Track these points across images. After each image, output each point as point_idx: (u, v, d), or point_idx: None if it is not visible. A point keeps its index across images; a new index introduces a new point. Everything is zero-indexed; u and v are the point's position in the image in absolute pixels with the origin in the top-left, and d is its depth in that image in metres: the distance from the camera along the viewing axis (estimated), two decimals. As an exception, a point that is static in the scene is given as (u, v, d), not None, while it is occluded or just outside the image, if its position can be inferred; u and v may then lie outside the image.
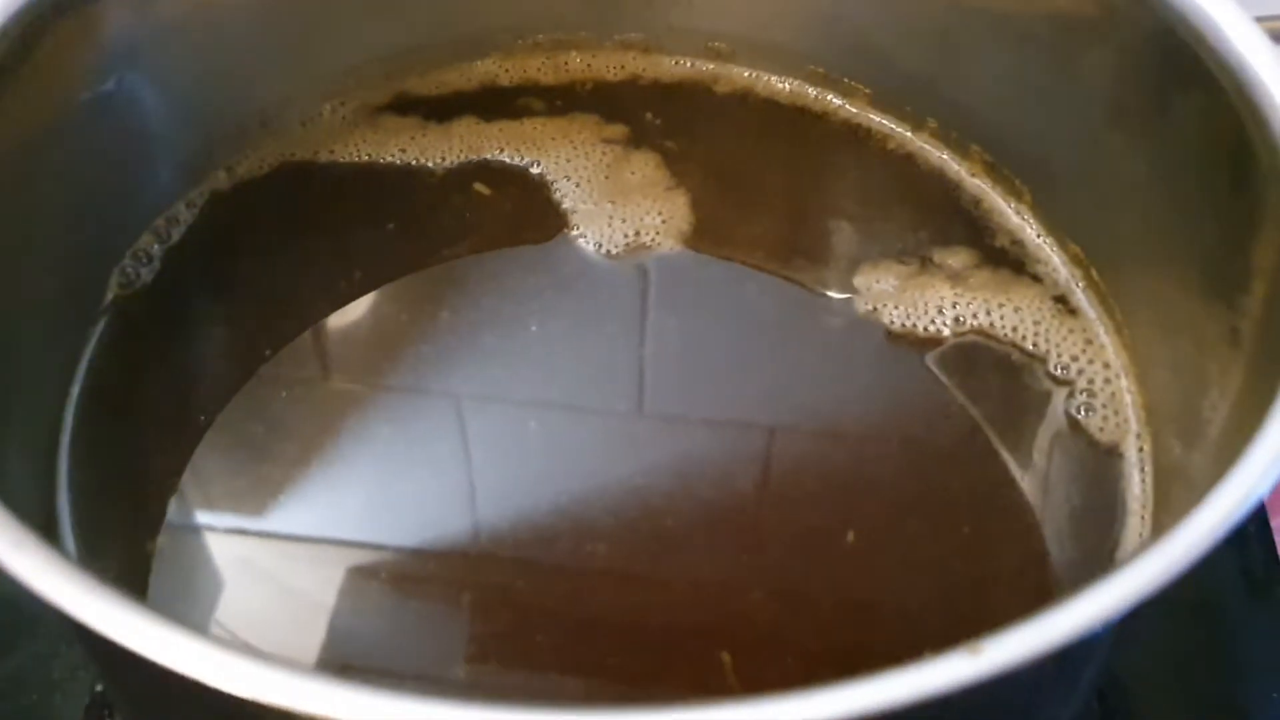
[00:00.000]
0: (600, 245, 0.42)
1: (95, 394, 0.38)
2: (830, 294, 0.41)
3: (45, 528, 0.35)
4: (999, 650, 0.21)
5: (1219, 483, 0.23)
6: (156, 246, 0.42)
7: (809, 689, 0.20)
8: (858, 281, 0.41)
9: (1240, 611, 0.41)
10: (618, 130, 0.45)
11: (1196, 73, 0.33)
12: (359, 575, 0.36)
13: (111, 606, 0.23)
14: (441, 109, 0.46)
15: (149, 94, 0.40)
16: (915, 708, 0.21)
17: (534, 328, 0.41)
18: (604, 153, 0.45)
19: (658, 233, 0.43)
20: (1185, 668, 0.40)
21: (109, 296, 0.40)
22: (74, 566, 0.23)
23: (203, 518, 0.37)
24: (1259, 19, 0.33)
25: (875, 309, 0.40)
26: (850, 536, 0.36)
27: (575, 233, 0.43)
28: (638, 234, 0.43)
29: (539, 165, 0.44)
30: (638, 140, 0.45)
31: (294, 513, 0.37)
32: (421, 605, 0.36)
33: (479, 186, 0.44)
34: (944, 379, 0.39)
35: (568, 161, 0.44)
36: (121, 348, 0.40)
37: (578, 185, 0.44)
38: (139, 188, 0.41)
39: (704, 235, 0.43)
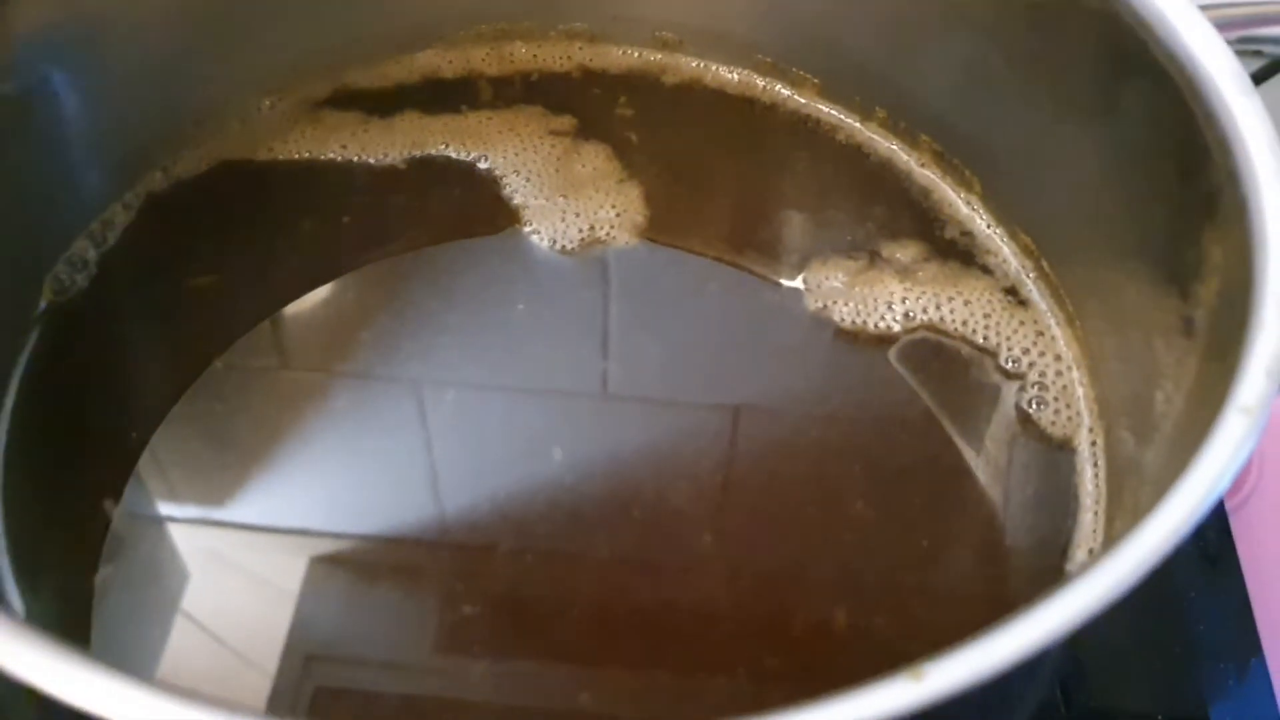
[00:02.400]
0: (555, 241, 0.42)
1: (30, 405, 0.37)
2: (781, 291, 0.41)
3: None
4: (941, 676, 0.20)
5: (1173, 485, 0.23)
6: (92, 251, 0.40)
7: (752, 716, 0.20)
8: (807, 278, 0.41)
9: (1196, 588, 0.41)
10: (565, 122, 0.45)
11: (1145, 65, 0.33)
12: (323, 564, 0.35)
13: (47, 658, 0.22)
14: (383, 103, 0.45)
15: (74, 93, 0.39)
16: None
17: (493, 318, 0.40)
18: (553, 145, 0.44)
19: (613, 227, 0.42)
20: (1144, 648, 0.40)
21: (42, 304, 0.39)
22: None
23: (162, 510, 0.36)
24: (1203, 6, 0.33)
25: (825, 306, 0.40)
26: (803, 533, 0.36)
27: (529, 229, 0.42)
28: (592, 229, 0.42)
29: (486, 160, 0.44)
30: (586, 132, 0.44)
31: (256, 503, 0.36)
32: (386, 593, 0.35)
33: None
34: (896, 375, 0.39)
35: (516, 155, 0.44)
36: (57, 356, 0.39)
37: (528, 180, 0.43)
38: (70, 191, 0.40)
39: (659, 229, 0.42)
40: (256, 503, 0.36)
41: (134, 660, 0.34)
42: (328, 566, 0.35)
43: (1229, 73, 0.31)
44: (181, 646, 0.34)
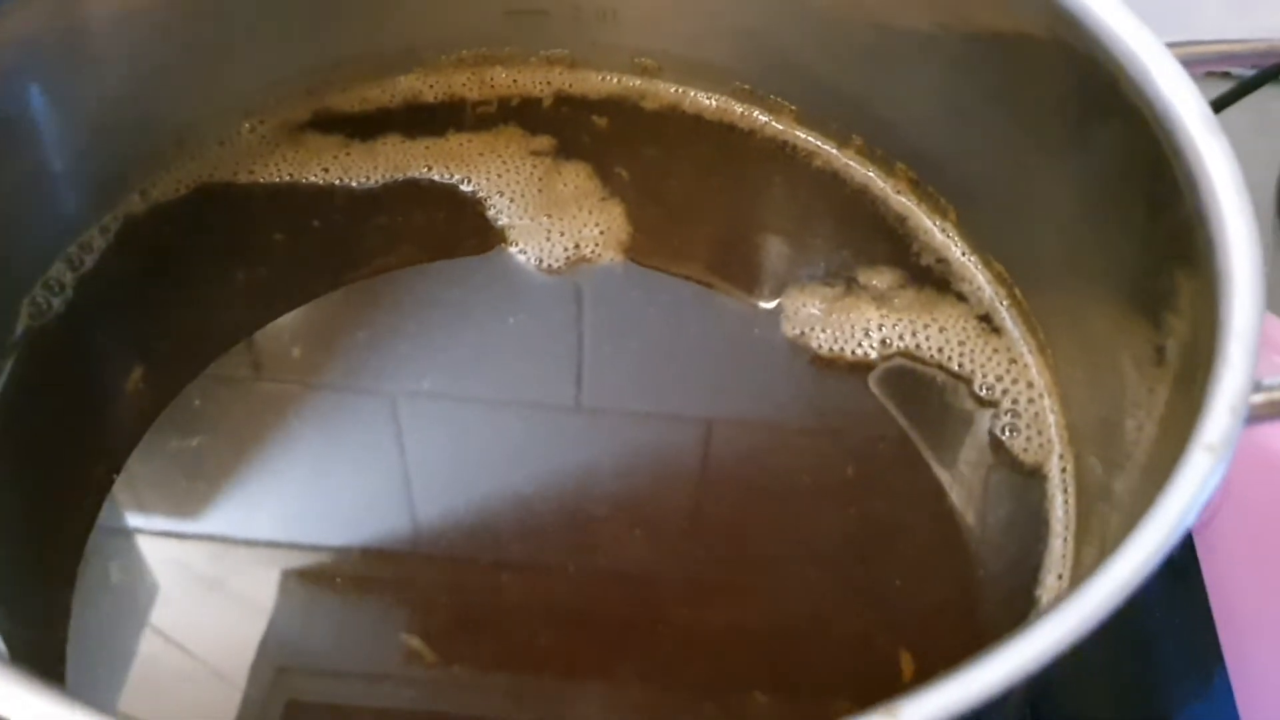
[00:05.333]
0: (541, 260, 0.42)
1: (9, 427, 0.37)
2: (760, 316, 0.41)
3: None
4: (917, 711, 0.21)
5: (1141, 519, 0.24)
6: (69, 274, 0.40)
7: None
8: (785, 304, 0.41)
9: (1160, 602, 0.41)
10: (544, 142, 0.45)
11: (1114, 102, 0.33)
12: (296, 577, 0.35)
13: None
14: (364, 126, 0.45)
15: (53, 115, 0.39)
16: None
17: (481, 335, 0.40)
18: (534, 165, 0.44)
19: (597, 244, 0.42)
20: (1109, 660, 0.40)
21: (19, 329, 0.39)
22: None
23: (131, 523, 0.37)
24: (1171, 44, 0.34)
25: (803, 333, 0.41)
26: (776, 552, 0.36)
27: (515, 249, 0.42)
28: (578, 246, 0.42)
29: (469, 182, 0.44)
30: (566, 151, 0.45)
31: (228, 516, 0.37)
32: (359, 605, 0.35)
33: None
34: (873, 401, 0.39)
35: (498, 176, 0.44)
36: (34, 382, 0.38)
37: (511, 200, 0.43)
38: (48, 213, 0.40)
39: (641, 248, 0.43)
40: (227, 516, 0.37)
41: (104, 675, 0.34)
42: (300, 579, 0.35)
43: (1197, 113, 0.31)
44: (151, 659, 0.34)
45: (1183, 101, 0.32)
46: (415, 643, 0.34)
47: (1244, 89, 0.48)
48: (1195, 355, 0.29)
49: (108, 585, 0.35)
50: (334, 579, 0.36)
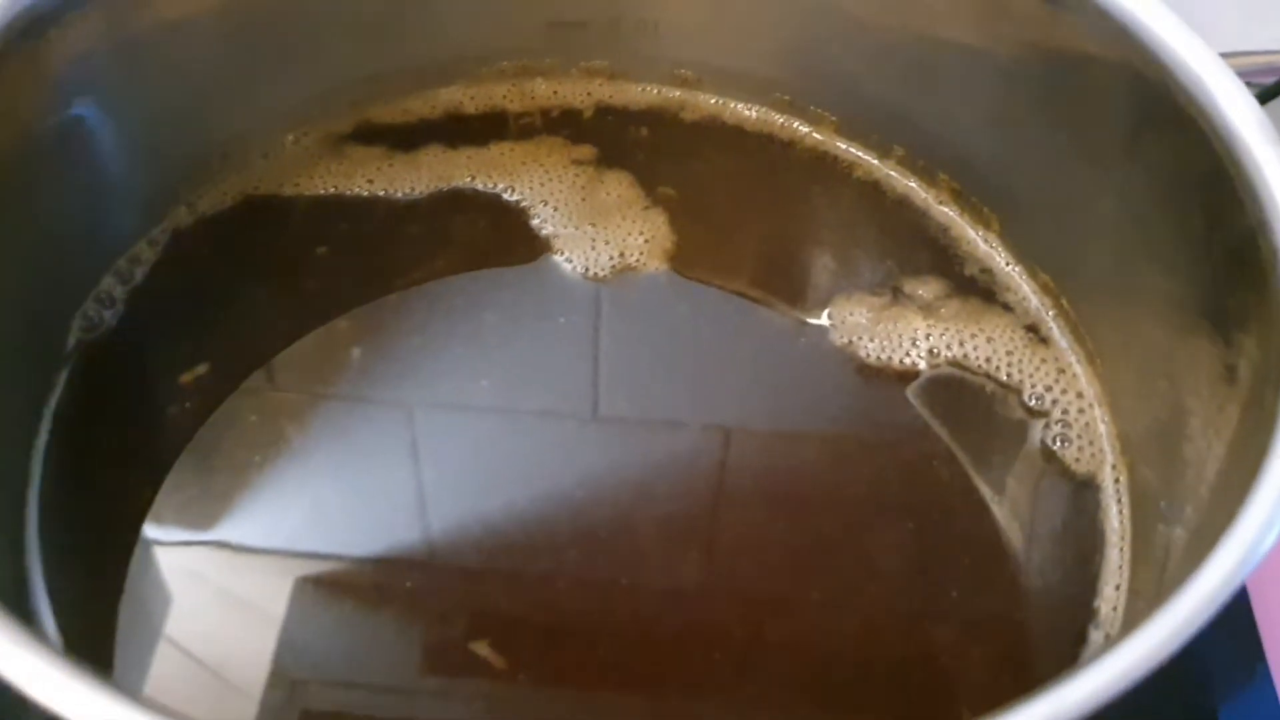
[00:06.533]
0: (587, 269, 0.42)
1: (62, 443, 0.37)
2: (808, 325, 0.41)
3: (15, 585, 0.34)
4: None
5: (1219, 541, 0.24)
6: (119, 288, 0.41)
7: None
8: (832, 313, 0.41)
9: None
10: (586, 151, 0.45)
11: (1168, 113, 0.33)
12: (310, 587, 0.35)
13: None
14: (407, 138, 0.45)
15: (107, 129, 0.39)
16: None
17: (528, 344, 0.41)
18: (576, 174, 0.45)
19: (642, 253, 0.43)
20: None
21: (71, 342, 0.39)
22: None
23: (173, 535, 0.37)
24: (1226, 55, 0.34)
25: (851, 342, 0.41)
26: (833, 569, 0.36)
27: (560, 257, 0.42)
28: (622, 255, 0.42)
29: (512, 191, 0.44)
30: (608, 160, 0.45)
31: (249, 525, 0.37)
32: (374, 616, 0.35)
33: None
34: (922, 411, 0.39)
35: (541, 185, 0.44)
36: (87, 394, 0.39)
37: (555, 209, 0.44)
38: (99, 228, 0.40)
39: (685, 257, 0.43)
40: (247, 525, 0.37)
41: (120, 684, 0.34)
42: (315, 589, 0.35)
43: (1254, 122, 0.31)
44: (164, 669, 0.34)
45: (1238, 110, 0.32)
46: (430, 653, 0.34)
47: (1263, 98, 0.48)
48: (1266, 374, 0.29)
49: (129, 593, 0.35)
50: (350, 590, 0.36)
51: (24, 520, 0.36)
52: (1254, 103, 0.32)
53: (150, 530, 0.37)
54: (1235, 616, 0.40)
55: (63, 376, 0.39)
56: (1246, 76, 0.33)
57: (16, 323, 0.37)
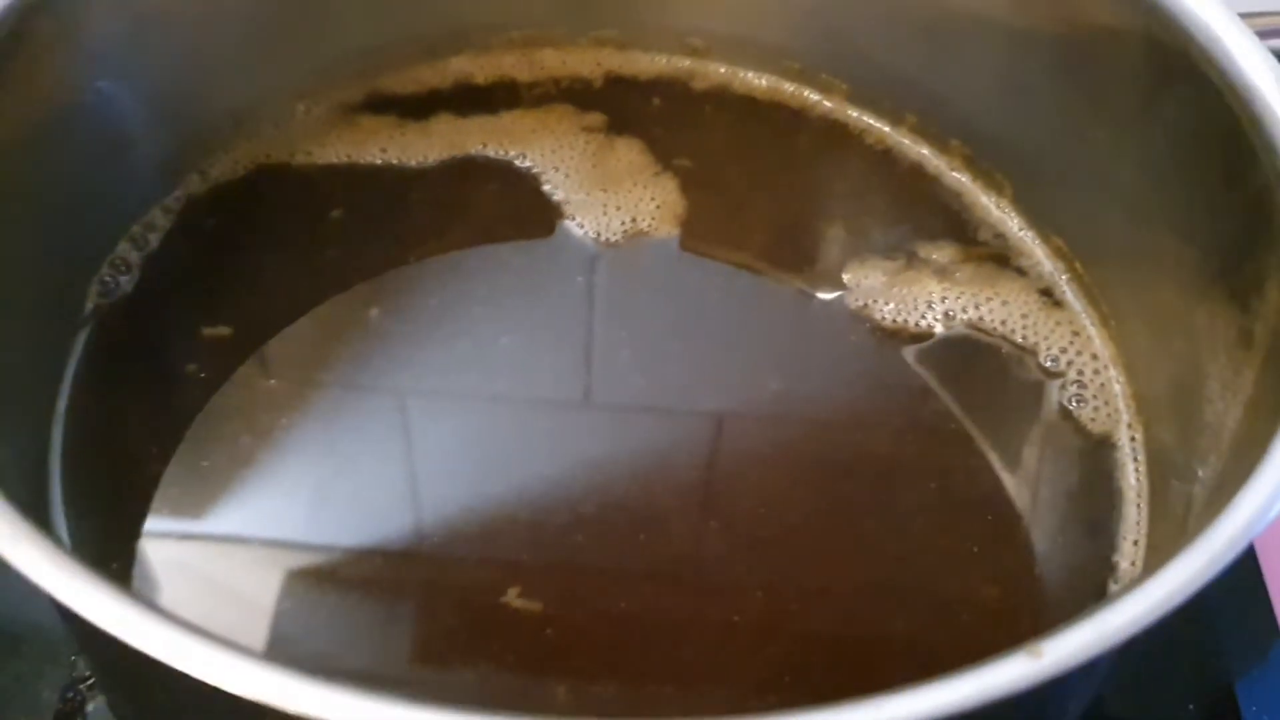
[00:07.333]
0: (599, 234, 0.42)
1: (81, 409, 0.37)
2: (823, 289, 0.42)
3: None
4: (1059, 649, 0.21)
5: (1240, 488, 0.24)
6: (134, 254, 0.41)
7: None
8: (847, 278, 0.42)
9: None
10: (596, 118, 0.45)
11: (1185, 72, 0.34)
12: (301, 577, 0.35)
13: (115, 601, 0.22)
14: (417, 107, 0.45)
15: (126, 97, 0.39)
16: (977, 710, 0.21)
17: (550, 303, 0.41)
18: (587, 141, 0.45)
19: (653, 218, 0.43)
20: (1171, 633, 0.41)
21: (89, 307, 0.39)
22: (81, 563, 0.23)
23: (186, 521, 0.36)
24: (1244, 15, 0.34)
25: (866, 305, 0.41)
26: (860, 527, 0.36)
27: (573, 223, 0.42)
28: (634, 220, 0.43)
29: (524, 158, 0.44)
30: (618, 128, 0.45)
31: (241, 513, 0.36)
32: (365, 605, 0.35)
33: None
34: (940, 372, 0.39)
35: (552, 152, 0.44)
36: (104, 359, 0.38)
37: (566, 176, 0.44)
38: (115, 194, 0.40)
39: (698, 222, 0.43)
40: (239, 513, 0.36)
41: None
42: (306, 579, 0.35)
43: (1273, 80, 0.32)
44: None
45: (1257, 66, 0.32)
46: (421, 643, 0.34)
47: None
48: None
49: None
50: (342, 579, 0.35)
51: (47, 486, 0.36)
52: (1273, 61, 0.32)
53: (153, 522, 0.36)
54: (1250, 592, 0.40)
55: (79, 342, 0.38)
56: (1265, 37, 0.33)
57: (36, 288, 0.37)
